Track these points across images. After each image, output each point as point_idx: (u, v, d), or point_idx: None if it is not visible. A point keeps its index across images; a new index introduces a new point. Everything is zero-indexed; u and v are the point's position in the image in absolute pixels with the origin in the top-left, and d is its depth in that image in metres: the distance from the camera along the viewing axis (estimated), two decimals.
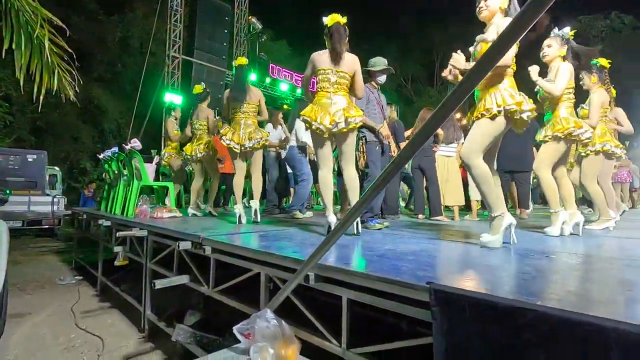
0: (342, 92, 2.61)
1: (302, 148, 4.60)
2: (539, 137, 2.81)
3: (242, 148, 3.43)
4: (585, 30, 18.51)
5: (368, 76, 3.56)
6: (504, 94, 1.99)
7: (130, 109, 11.64)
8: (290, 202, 5.15)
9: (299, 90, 15.07)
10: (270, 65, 14.49)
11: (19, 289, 4.04)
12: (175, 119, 5.37)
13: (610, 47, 17.77)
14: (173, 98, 11.06)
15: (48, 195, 8.19)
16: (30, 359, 2.50)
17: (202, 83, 5.08)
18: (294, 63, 16.22)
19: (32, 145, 12.02)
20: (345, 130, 2.57)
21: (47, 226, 7.82)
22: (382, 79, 3.58)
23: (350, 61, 2.62)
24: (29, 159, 8.45)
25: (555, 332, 0.84)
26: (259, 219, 3.41)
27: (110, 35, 14.81)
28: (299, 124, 4.48)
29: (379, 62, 3.50)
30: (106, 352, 2.61)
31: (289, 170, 5.07)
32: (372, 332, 1.42)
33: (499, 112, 1.99)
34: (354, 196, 2.62)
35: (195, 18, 11.95)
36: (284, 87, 14.64)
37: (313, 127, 2.57)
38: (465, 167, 2.12)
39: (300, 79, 13.59)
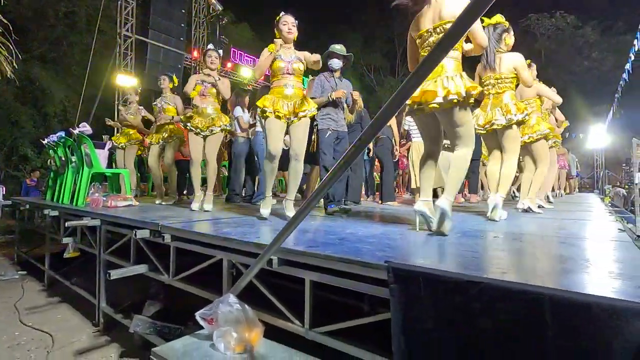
0: None
1: None
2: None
3: None
4: (533, 27, 19.73)
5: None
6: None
7: (78, 92, 10.74)
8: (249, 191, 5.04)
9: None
10: (232, 49, 14.01)
11: None
12: None
13: (555, 44, 19.09)
14: (126, 80, 10.38)
15: None
16: None
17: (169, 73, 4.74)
18: (256, 47, 15.75)
19: None
20: None
21: None
22: (334, 63, 3.46)
23: None
24: None
25: (500, 301, 0.92)
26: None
27: (52, 10, 13.43)
28: None
29: (331, 48, 3.48)
30: (56, 348, 2.47)
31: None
32: (334, 316, 1.46)
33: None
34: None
35: None
36: (245, 72, 14.22)
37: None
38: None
39: None
